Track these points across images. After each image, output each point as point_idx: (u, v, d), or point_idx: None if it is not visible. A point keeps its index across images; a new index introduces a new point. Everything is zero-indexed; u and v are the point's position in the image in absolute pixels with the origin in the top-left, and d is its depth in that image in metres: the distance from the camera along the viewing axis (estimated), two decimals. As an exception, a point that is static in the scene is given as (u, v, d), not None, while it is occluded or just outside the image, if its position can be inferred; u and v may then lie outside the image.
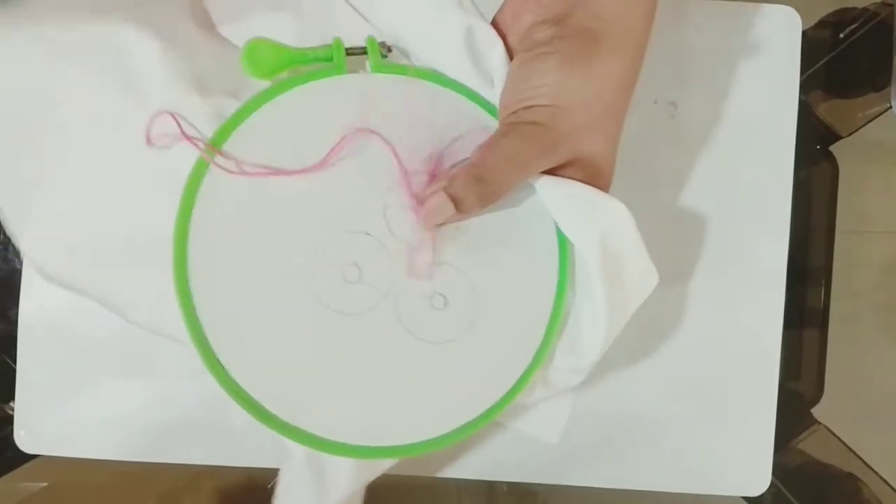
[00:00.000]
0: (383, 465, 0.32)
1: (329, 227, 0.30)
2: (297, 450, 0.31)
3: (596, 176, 0.30)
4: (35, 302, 0.37)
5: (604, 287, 0.30)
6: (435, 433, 0.30)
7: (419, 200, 0.30)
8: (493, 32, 0.31)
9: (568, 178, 0.30)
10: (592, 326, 0.31)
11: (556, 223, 0.32)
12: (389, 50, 0.32)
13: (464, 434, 0.31)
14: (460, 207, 0.29)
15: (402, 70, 0.32)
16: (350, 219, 0.30)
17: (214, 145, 0.30)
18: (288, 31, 0.34)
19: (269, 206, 0.30)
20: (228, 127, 0.30)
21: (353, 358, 0.30)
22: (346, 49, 0.31)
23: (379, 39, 0.32)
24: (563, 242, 0.32)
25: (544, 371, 0.32)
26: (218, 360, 0.29)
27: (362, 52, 0.32)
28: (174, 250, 0.29)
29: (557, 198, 0.30)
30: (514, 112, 0.29)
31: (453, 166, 0.31)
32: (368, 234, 0.30)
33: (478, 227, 0.31)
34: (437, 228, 0.30)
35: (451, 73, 0.33)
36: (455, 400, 0.31)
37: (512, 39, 0.31)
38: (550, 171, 0.30)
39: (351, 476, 0.31)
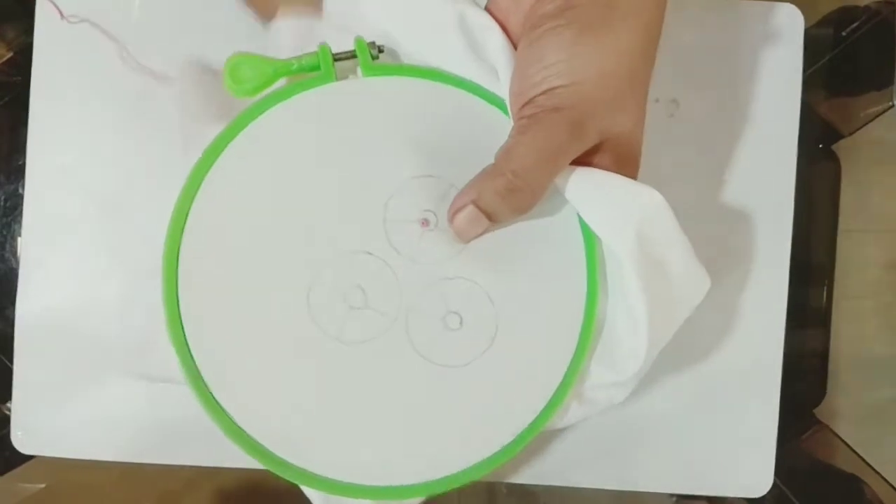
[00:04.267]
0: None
1: (326, 249, 0.28)
2: (313, 494, 0.29)
3: (625, 159, 0.27)
4: (32, 302, 0.37)
5: (642, 289, 0.26)
6: (460, 466, 0.28)
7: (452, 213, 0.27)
8: (488, 17, 0.28)
9: (596, 164, 0.27)
10: (632, 334, 0.27)
11: (579, 220, 0.29)
12: (381, 50, 0.29)
13: (493, 464, 0.28)
14: (494, 219, 0.26)
15: (396, 70, 0.29)
16: (348, 238, 0.28)
17: (197, 177, 0.27)
18: (278, 46, 0.31)
19: (259, 231, 0.27)
20: (209, 156, 0.28)
21: (364, 391, 0.27)
22: (334, 55, 0.29)
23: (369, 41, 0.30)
24: (589, 241, 0.29)
25: (579, 388, 0.29)
26: (217, 402, 0.27)
27: (352, 55, 0.29)
28: (164, 287, 0.27)
29: (584, 191, 0.27)
30: (530, 101, 0.26)
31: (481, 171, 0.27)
32: (370, 252, 0.28)
33: (490, 232, 0.28)
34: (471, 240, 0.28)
35: (450, 68, 0.30)
36: (481, 428, 0.28)
37: (514, 23, 0.28)
38: (578, 160, 0.27)
39: None
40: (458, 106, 0.29)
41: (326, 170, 0.28)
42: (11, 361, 0.37)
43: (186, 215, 0.28)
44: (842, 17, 0.45)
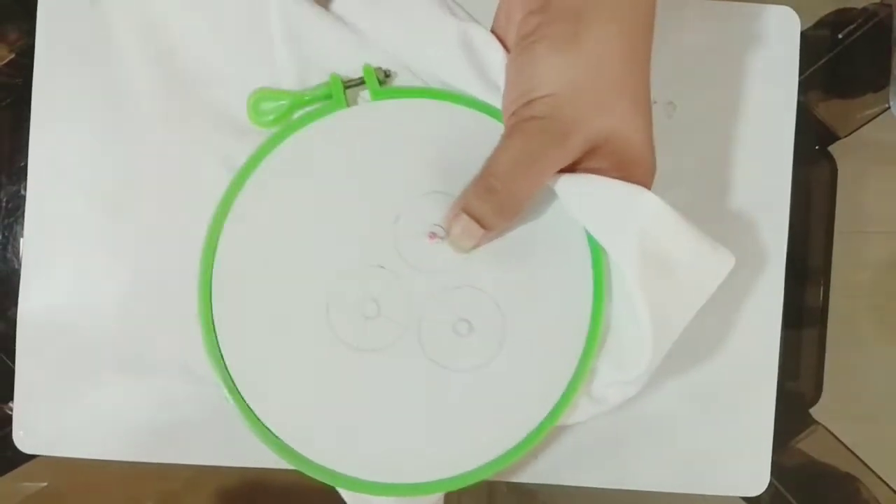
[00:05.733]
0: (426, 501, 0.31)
1: (342, 264, 0.29)
2: (346, 494, 0.30)
3: (627, 162, 0.28)
4: (34, 302, 0.37)
5: (643, 291, 0.27)
6: (474, 464, 0.29)
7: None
8: (489, 35, 0.30)
9: (594, 169, 0.28)
10: (636, 335, 0.28)
11: (583, 227, 0.30)
12: (387, 75, 0.31)
13: (506, 461, 0.29)
14: (483, 225, 0.27)
15: (403, 93, 0.31)
16: (362, 253, 0.30)
17: (227, 203, 0.30)
18: (289, 71, 0.32)
19: (281, 251, 0.30)
20: (235, 184, 0.30)
21: (380, 396, 0.29)
22: (345, 82, 0.31)
23: (384, 66, 0.31)
24: (595, 246, 0.30)
25: (588, 387, 0.31)
26: (250, 408, 0.29)
27: (360, 82, 0.31)
28: (199, 304, 0.30)
29: (580, 197, 0.28)
30: (514, 112, 0.28)
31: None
32: (382, 266, 0.29)
33: (495, 241, 0.30)
34: (471, 251, 0.29)
35: (457, 86, 0.31)
36: (492, 428, 0.29)
37: (510, 40, 0.30)
38: (574, 165, 0.28)
39: None
40: (463, 123, 0.31)
41: (341, 191, 0.30)
42: (13, 361, 0.38)
43: (218, 238, 0.30)
44: (838, 19, 0.45)
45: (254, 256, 0.30)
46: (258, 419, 0.29)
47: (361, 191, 0.30)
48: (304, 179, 0.30)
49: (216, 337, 0.29)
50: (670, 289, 0.28)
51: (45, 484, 0.45)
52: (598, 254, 0.30)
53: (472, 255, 0.29)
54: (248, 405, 0.29)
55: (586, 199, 0.28)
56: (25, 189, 0.38)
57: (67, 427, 0.38)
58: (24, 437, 0.38)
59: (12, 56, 0.40)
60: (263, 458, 0.38)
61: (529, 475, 0.39)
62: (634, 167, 0.28)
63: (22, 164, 0.38)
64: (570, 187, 0.28)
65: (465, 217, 0.27)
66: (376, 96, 0.31)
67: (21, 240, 0.38)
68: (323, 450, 0.29)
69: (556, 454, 0.38)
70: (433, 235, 0.29)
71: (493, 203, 0.27)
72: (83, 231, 0.37)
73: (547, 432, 0.29)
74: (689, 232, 0.28)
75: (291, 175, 0.30)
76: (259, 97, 0.30)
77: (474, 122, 0.31)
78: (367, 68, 0.31)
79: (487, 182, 0.27)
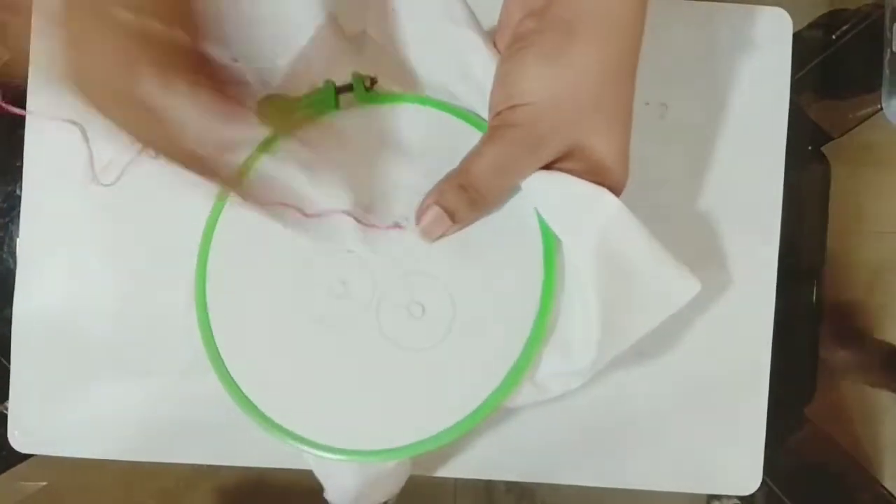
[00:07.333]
0: (382, 471, 0.33)
1: (316, 248, 0.32)
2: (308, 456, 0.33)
3: (599, 170, 0.29)
4: (29, 301, 0.38)
5: (596, 290, 0.29)
6: (422, 436, 0.31)
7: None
8: (477, 38, 0.31)
9: (567, 169, 0.29)
10: (585, 334, 0.30)
11: (538, 219, 0.31)
12: (374, 81, 0.33)
13: (451, 436, 0.31)
14: (454, 218, 0.29)
15: (385, 98, 0.33)
16: (334, 238, 0.32)
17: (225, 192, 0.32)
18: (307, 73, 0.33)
19: (270, 239, 0.32)
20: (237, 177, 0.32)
21: (342, 368, 0.32)
22: (337, 87, 0.32)
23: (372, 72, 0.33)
24: (547, 239, 0.31)
25: (533, 374, 0.32)
26: (233, 379, 0.32)
27: (350, 87, 0.33)
28: (196, 286, 0.33)
29: (545, 194, 0.29)
30: (498, 114, 0.29)
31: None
32: (350, 251, 0.32)
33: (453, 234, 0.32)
34: (437, 240, 0.31)
35: (452, 89, 0.33)
36: (439, 404, 0.31)
37: (505, 37, 0.31)
38: (547, 165, 0.29)
39: (353, 475, 0.33)
40: (436, 124, 0.33)
41: (320, 182, 0.32)
42: (9, 361, 0.38)
43: (213, 230, 0.33)
44: (832, 20, 0.45)
45: (242, 244, 0.33)
46: (239, 389, 0.32)
47: (338, 184, 0.32)
48: (289, 174, 0.32)
49: (207, 312, 0.33)
50: (625, 292, 0.30)
51: (44, 483, 0.45)
52: (550, 248, 0.31)
53: (433, 245, 0.32)
54: (230, 376, 0.32)
55: (550, 196, 0.29)
56: (21, 189, 0.38)
57: (63, 427, 0.38)
58: (20, 437, 0.38)
59: (8, 57, 0.40)
60: (262, 457, 0.38)
61: (523, 473, 0.39)
62: (605, 175, 0.29)
63: (17, 163, 0.38)
64: (537, 183, 0.29)
65: (437, 209, 0.29)
66: (362, 100, 0.33)
67: (17, 239, 0.38)
68: (290, 415, 0.32)
69: (550, 452, 0.39)
70: (397, 225, 0.32)
71: (466, 199, 0.29)
72: (79, 230, 0.37)
73: (487, 413, 0.31)
74: (650, 241, 0.30)
75: (284, 180, 0.32)
76: (265, 102, 0.31)
77: (446, 124, 0.33)
78: (355, 74, 0.32)
79: (464, 178, 0.29)
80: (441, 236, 0.31)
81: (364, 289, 0.32)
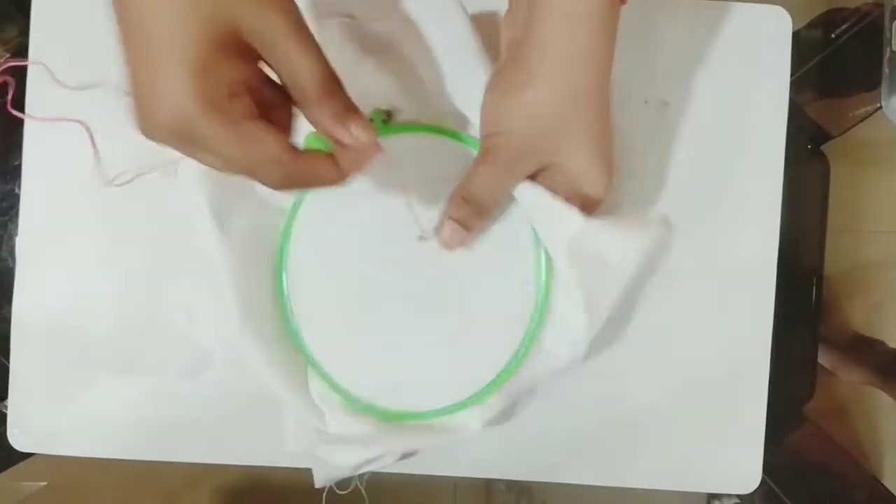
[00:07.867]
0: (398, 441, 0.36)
1: (377, 253, 0.37)
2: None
3: (575, 181, 0.33)
4: (29, 301, 0.38)
5: (575, 283, 0.34)
6: (445, 402, 0.36)
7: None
8: (476, 60, 0.35)
9: (550, 180, 0.34)
10: (573, 306, 0.35)
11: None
12: (389, 115, 0.37)
13: (494, 387, 0.36)
14: (465, 226, 0.34)
15: (402, 129, 0.37)
16: (388, 247, 0.37)
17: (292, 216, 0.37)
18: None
19: (337, 247, 0.37)
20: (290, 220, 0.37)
21: (397, 336, 0.37)
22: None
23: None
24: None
25: (541, 344, 0.37)
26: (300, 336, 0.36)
27: (370, 121, 0.35)
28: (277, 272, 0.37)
29: (529, 205, 0.35)
30: (485, 137, 0.34)
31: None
32: (399, 256, 0.37)
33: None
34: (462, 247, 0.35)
35: (468, 114, 0.37)
36: (479, 365, 0.36)
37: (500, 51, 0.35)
38: (532, 176, 0.34)
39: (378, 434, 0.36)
40: (447, 150, 0.37)
41: (373, 204, 0.37)
42: (8, 360, 0.38)
43: (288, 240, 0.37)
44: (831, 20, 0.45)
45: (316, 251, 0.37)
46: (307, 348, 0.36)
47: (383, 203, 0.37)
48: (343, 198, 0.35)
49: (286, 298, 0.36)
50: (600, 270, 0.35)
51: (45, 483, 0.45)
52: (543, 249, 0.37)
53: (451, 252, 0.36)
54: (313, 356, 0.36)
55: (532, 207, 0.35)
56: (20, 188, 0.38)
57: (62, 426, 0.38)
58: (19, 436, 0.38)
59: (7, 56, 0.40)
60: (262, 457, 0.38)
61: (524, 472, 0.39)
62: (581, 184, 0.34)
63: (16, 162, 0.38)
64: (523, 195, 0.34)
65: (451, 222, 0.34)
66: (383, 132, 0.37)
67: (15, 238, 0.38)
68: (342, 371, 0.36)
69: (550, 451, 0.39)
70: (421, 238, 0.37)
71: (470, 210, 0.34)
72: (78, 230, 0.37)
73: (519, 364, 0.36)
74: (613, 229, 0.34)
75: (332, 197, 0.35)
76: (308, 139, 0.32)
77: (455, 149, 0.37)
78: (374, 110, 0.37)
79: (465, 192, 0.34)
80: (462, 245, 0.35)
81: (413, 278, 0.37)
